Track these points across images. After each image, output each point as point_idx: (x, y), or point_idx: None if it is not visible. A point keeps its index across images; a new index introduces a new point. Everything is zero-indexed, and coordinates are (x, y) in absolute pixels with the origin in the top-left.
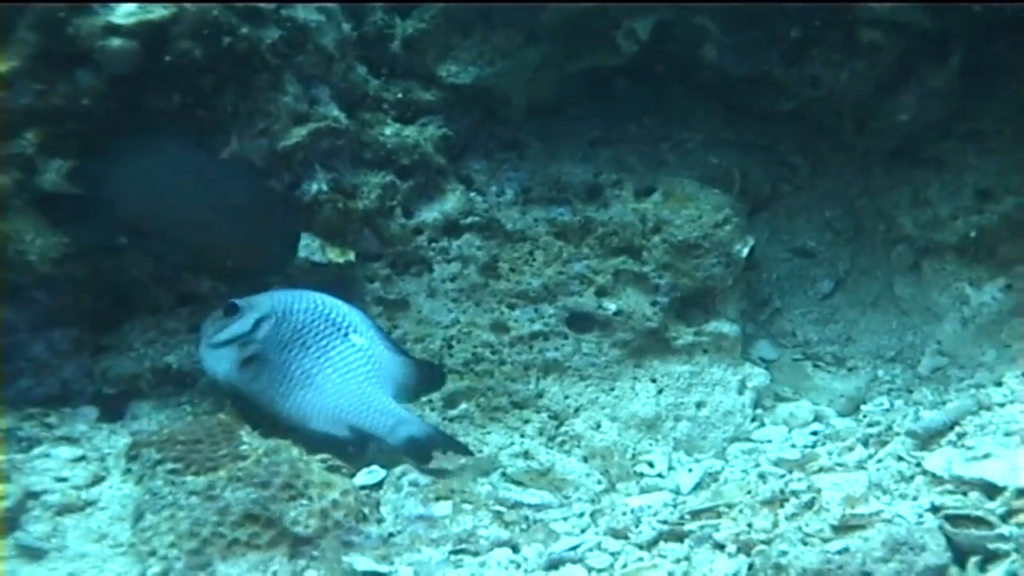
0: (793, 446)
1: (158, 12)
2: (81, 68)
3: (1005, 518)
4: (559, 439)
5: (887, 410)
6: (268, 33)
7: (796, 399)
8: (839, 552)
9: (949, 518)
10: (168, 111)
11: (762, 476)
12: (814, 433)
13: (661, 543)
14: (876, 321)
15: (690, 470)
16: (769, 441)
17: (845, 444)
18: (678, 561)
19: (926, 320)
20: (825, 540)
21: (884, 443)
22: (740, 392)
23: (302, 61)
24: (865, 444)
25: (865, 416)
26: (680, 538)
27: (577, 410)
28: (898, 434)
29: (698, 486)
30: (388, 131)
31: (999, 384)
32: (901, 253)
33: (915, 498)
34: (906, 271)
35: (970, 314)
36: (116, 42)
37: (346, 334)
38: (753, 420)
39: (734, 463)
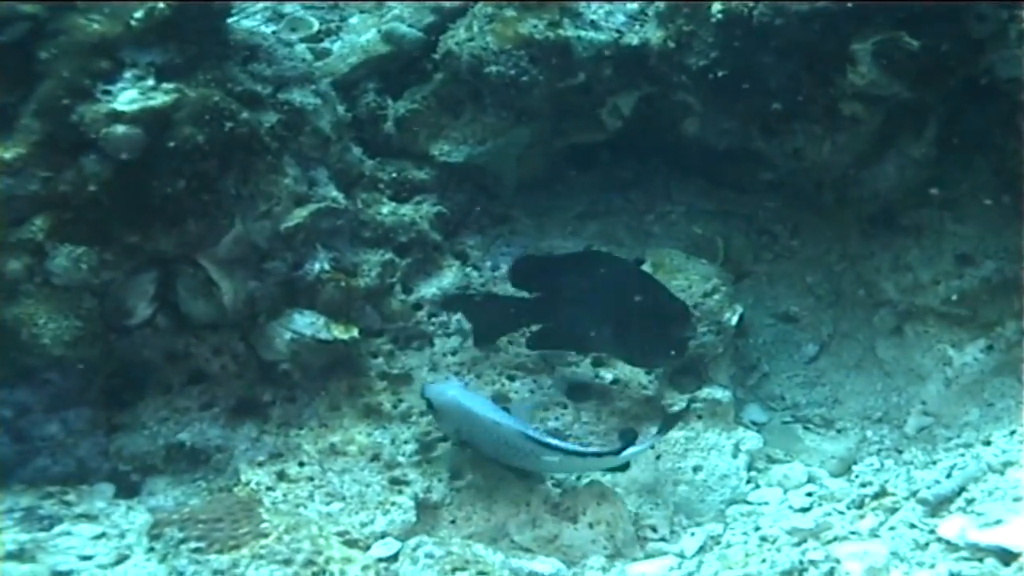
0: (791, 508)
1: (160, 99)
2: (86, 155)
3: None
4: (564, 506)
5: (878, 470)
6: (267, 117)
7: (789, 461)
8: None
9: None
10: (174, 196)
11: (764, 539)
12: (809, 494)
13: None
14: (861, 383)
15: (692, 534)
16: (766, 503)
17: (857, 512)
18: None
19: (910, 381)
20: None
21: (894, 510)
22: (735, 455)
23: (300, 144)
24: (860, 505)
25: (857, 476)
26: None
27: (579, 477)
28: (897, 495)
29: (701, 549)
30: (385, 210)
31: (987, 443)
32: (883, 317)
33: (932, 566)
34: (888, 334)
35: (953, 375)
36: (120, 129)
37: None
38: (748, 482)
39: (734, 526)
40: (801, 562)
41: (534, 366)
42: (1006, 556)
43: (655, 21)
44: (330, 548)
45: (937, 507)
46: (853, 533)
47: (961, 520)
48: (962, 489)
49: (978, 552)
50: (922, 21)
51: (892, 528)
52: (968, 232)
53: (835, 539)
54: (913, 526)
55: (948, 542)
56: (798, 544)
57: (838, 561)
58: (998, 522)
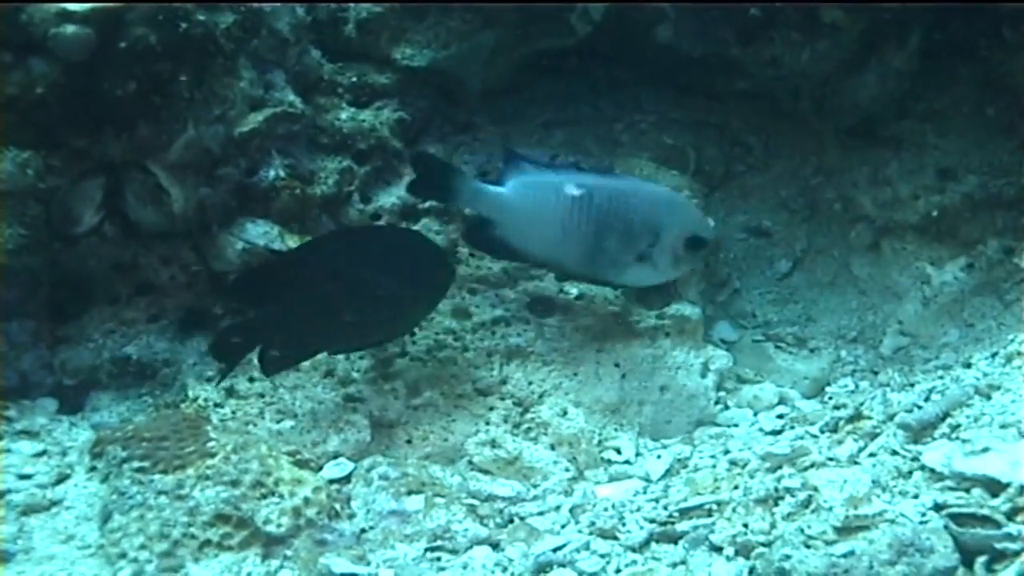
0: (761, 430)
1: None
2: (35, 56)
3: (1011, 516)
4: (525, 426)
5: (852, 392)
6: (223, 18)
7: (759, 381)
8: (845, 555)
9: (953, 517)
10: (124, 99)
11: (733, 463)
12: (780, 417)
13: (653, 544)
14: (835, 301)
15: (658, 456)
16: (735, 425)
17: (833, 437)
18: (674, 565)
19: (886, 299)
20: (828, 543)
21: (874, 436)
22: (703, 375)
23: (257, 46)
24: (834, 429)
25: (831, 398)
26: (673, 539)
27: (541, 396)
28: (873, 418)
29: (668, 472)
30: (344, 115)
31: (968, 366)
32: (860, 232)
33: (916, 496)
34: (864, 250)
35: (931, 293)
36: (70, 29)
37: None
38: (717, 403)
39: (702, 448)
40: (776, 489)
41: (496, 280)
42: (994, 486)
43: None
44: (280, 469)
45: (920, 433)
46: (831, 459)
47: (946, 447)
48: (946, 414)
49: (964, 481)
50: None
51: (872, 455)
52: (950, 146)
53: (812, 465)
54: (895, 453)
55: (932, 470)
56: (773, 470)
57: (816, 489)
58: (985, 450)
